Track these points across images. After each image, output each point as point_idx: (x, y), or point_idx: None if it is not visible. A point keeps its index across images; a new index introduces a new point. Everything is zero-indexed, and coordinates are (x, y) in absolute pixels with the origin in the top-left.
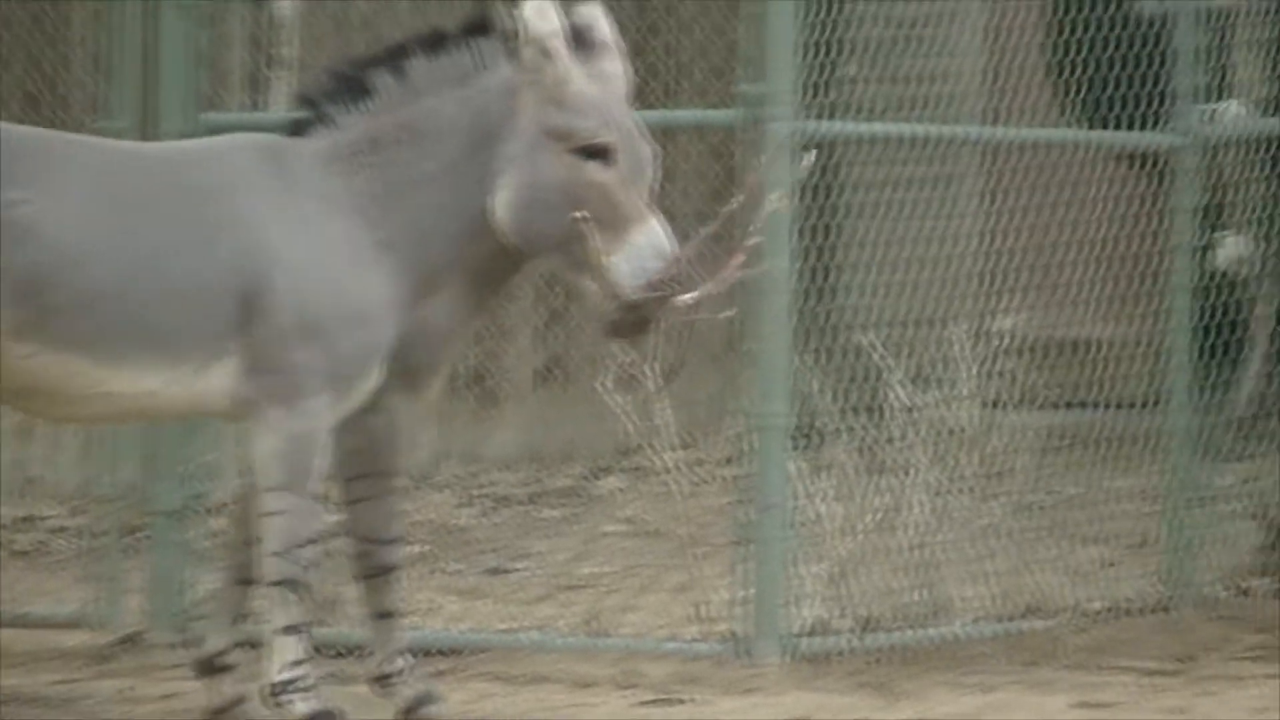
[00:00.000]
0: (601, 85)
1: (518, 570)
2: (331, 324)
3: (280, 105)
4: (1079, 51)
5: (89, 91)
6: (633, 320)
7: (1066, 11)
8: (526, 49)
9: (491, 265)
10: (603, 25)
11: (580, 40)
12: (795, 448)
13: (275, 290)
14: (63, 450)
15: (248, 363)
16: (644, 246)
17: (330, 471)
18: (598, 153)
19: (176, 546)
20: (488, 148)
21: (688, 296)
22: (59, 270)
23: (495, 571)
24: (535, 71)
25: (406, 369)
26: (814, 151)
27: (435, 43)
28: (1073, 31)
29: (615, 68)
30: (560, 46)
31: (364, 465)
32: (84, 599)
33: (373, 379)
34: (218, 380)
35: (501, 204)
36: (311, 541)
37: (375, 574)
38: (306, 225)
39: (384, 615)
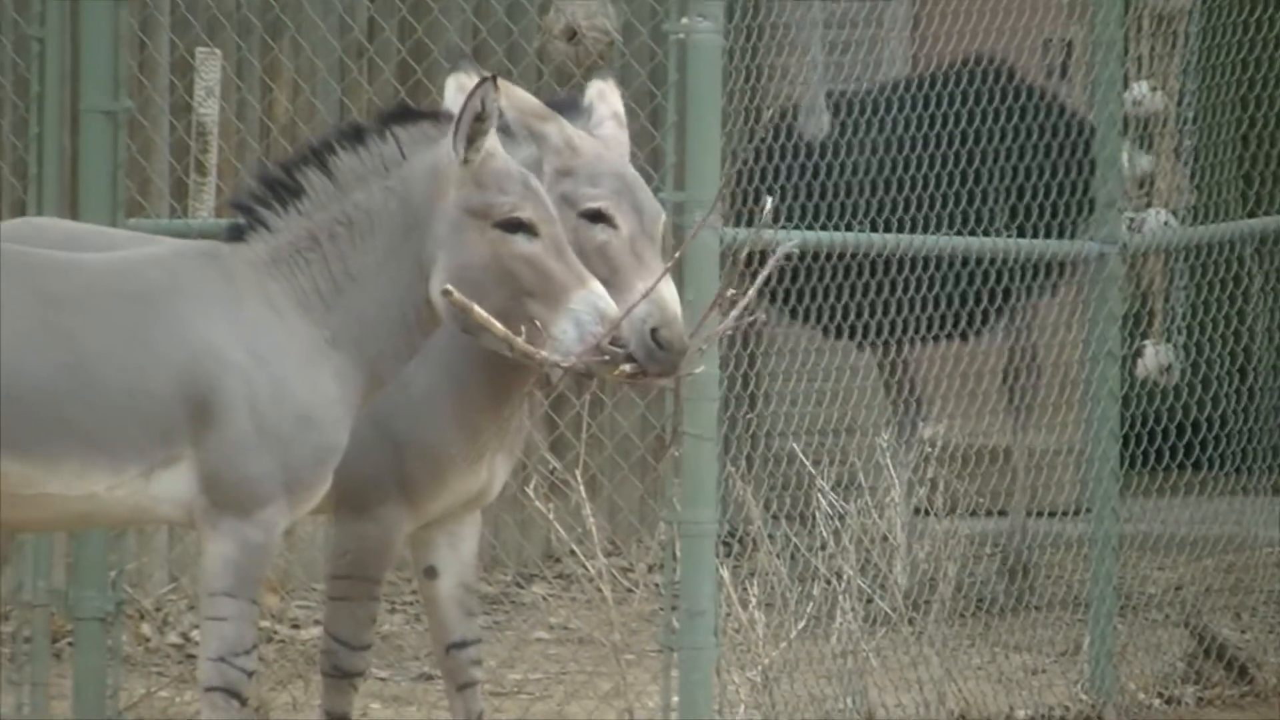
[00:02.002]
0: (604, 146)
1: None
2: (285, 428)
3: (204, 212)
4: (1005, 159)
5: (13, 197)
6: (577, 380)
7: (994, 120)
8: (462, 123)
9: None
10: (614, 99)
11: (584, 111)
12: (723, 554)
13: (226, 396)
14: None
15: (200, 471)
16: (583, 311)
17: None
18: (520, 226)
19: (103, 651)
20: (417, 234)
21: (628, 366)
22: None
23: (423, 678)
24: (476, 152)
25: (404, 482)
26: (772, 200)
27: (356, 136)
28: (1001, 139)
29: (619, 136)
30: (480, 127)
31: (349, 568)
32: (12, 704)
33: (327, 482)
34: (169, 487)
35: (435, 289)
36: (251, 649)
37: (338, 676)
38: (254, 328)
39: (337, 718)
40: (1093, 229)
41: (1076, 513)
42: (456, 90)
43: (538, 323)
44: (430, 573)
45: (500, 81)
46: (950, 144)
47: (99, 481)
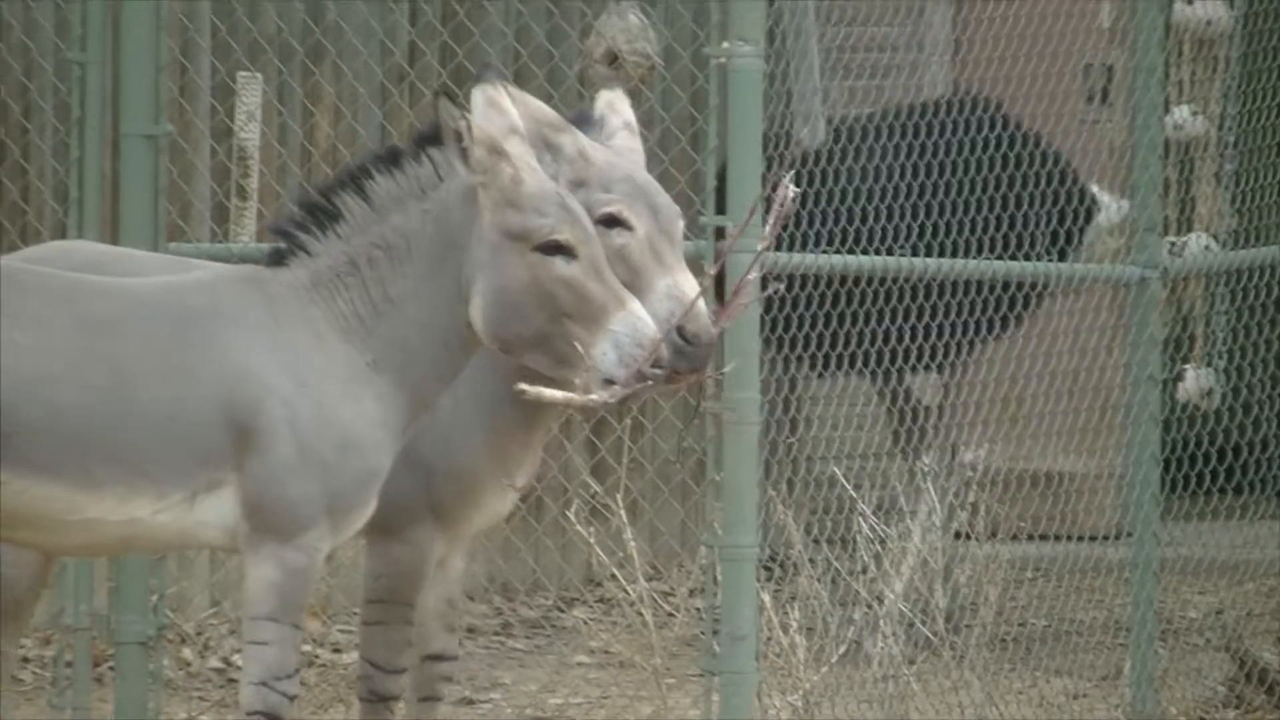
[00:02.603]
0: (615, 154)
1: (487, 701)
2: (327, 452)
3: (245, 236)
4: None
5: (54, 221)
6: (619, 405)
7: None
8: (476, 149)
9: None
10: (624, 109)
11: (595, 123)
12: (764, 579)
13: (268, 420)
14: None
15: (243, 495)
16: (622, 333)
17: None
18: (559, 249)
19: (144, 676)
20: (455, 257)
21: (659, 371)
22: (18, 395)
23: (465, 702)
24: (488, 172)
25: (434, 504)
26: (795, 190)
27: (392, 159)
28: (1042, 164)
29: (632, 144)
30: (512, 144)
31: (382, 592)
32: None
33: (372, 506)
34: (212, 512)
35: (476, 311)
36: (294, 673)
37: (374, 700)
38: (296, 353)
39: None
40: (1133, 253)
41: (1117, 537)
42: (484, 104)
43: (578, 344)
44: None
45: (515, 92)
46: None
47: (142, 506)
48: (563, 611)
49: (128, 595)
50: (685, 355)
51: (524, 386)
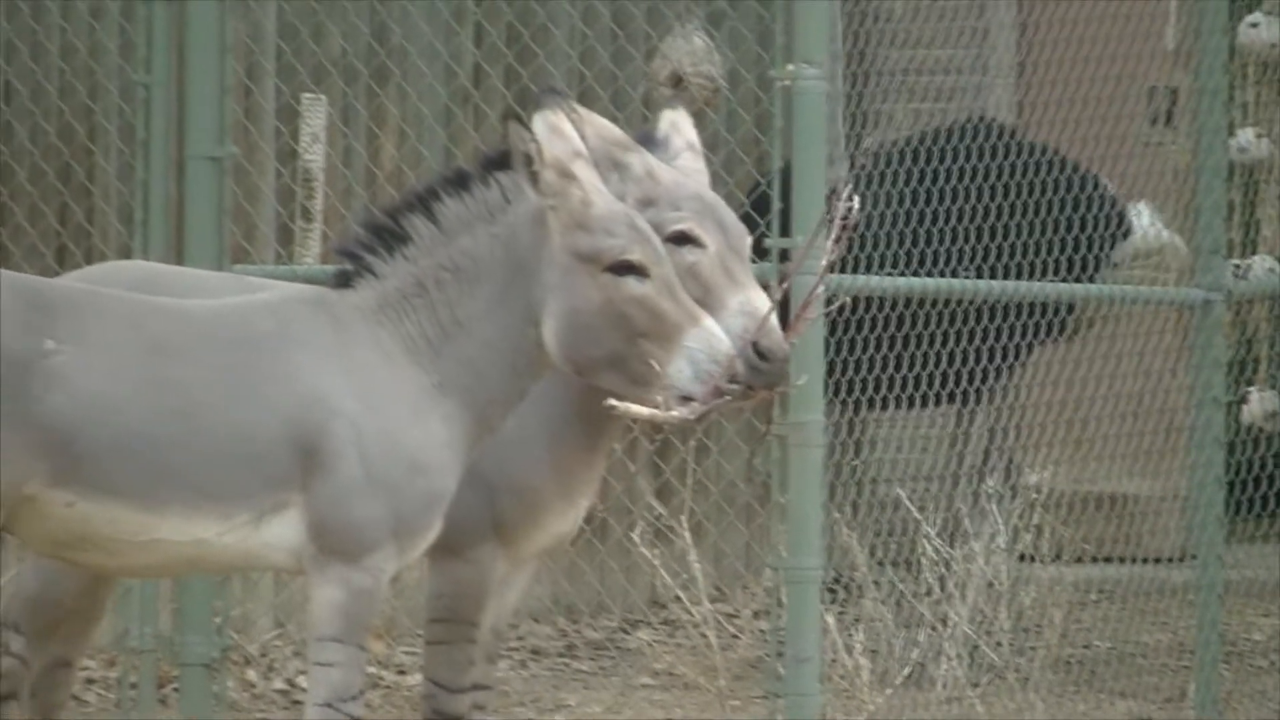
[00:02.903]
0: (682, 174)
1: None
2: (394, 474)
3: (309, 258)
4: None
5: (119, 243)
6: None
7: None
8: (546, 172)
9: (586, 409)
10: (687, 129)
11: (660, 144)
12: (829, 601)
13: (335, 442)
14: None
15: (309, 517)
16: (697, 349)
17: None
18: (631, 269)
19: (209, 697)
20: (525, 280)
21: (735, 387)
22: (89, 417)
23: None
24: (557, 195)
25: (497, 523)
26: (853, 199)
27: (460, 182)
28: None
29: (696, 164)
30: (579, 167)
31: (445, 612)
32: None
33: (437, 527)
34: (278, 533)
35: (549, 334)
36: (359, 694)
37: (438, 718)
38: (363, 375)
39: None
40: (1198, 276)
41: (1182, 559)
42: (546, 130)
43: (653, 362)
44: None
45: (582, 112)
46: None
47: (208, 528)
48: (627, 633)
49: (192, 617)
50: (760, 371)
51: (613, 403)
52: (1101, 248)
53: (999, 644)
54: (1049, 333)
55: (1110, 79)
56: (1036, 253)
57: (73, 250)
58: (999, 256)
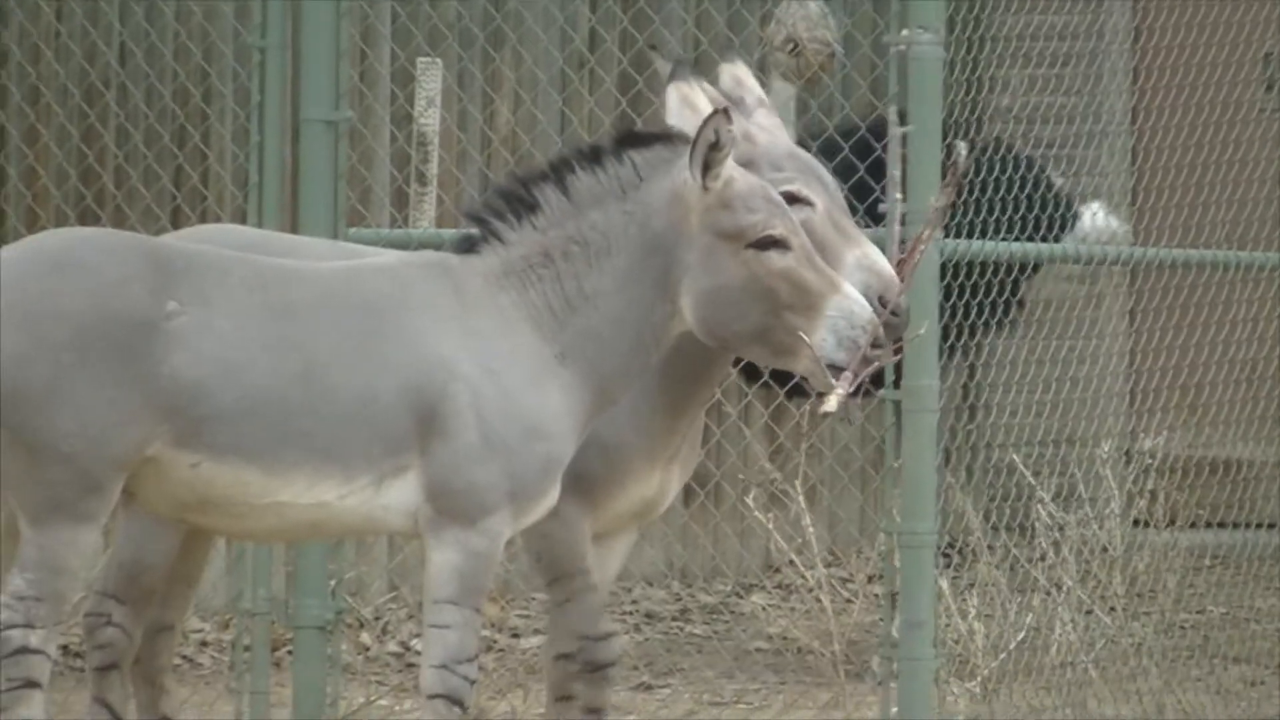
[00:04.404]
0: (769, 136)
1: (665, 687)
2: (512, 439)
3: (425, 222)
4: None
5: (234, 206)
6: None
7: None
8: (696, 154)
9: (673, 373)
10: (752, 83)
11: (735, 103)
12: (942, 565)
13: (454, 406)
14: (210, 565)
15: (427, 480)
16: (839, 318)
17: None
18: (774, 243)
19: (323, 660)
20: (659, 258)
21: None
22: (213, 379)
23: (643, 688)
24: (716, 179)
25: (581, 479)
26: (966, 149)
27: (594, 157)
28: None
29: (773, 119)
30: (715, 156)
31: (554, 570)
32: (232, 712)
33: (554, 494)
34: (398, 496)
35: (689, 311)
36: (474, 657)
37: (590, 670)
38: (483, 340)
39: (593, 712)
40: None
41: None
42: (679, 102)
43: (800, 334)
44: None
45: (688, 93)
46: None
47: (329, 490)
48: (741, 598)
49: (306, 580)
50: (889, 327)
51: (827, 408)
52: (1045, 239)
53: (1112, 609)
54: (995, 318)
55: (1226, 45)
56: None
57: (188, 213)
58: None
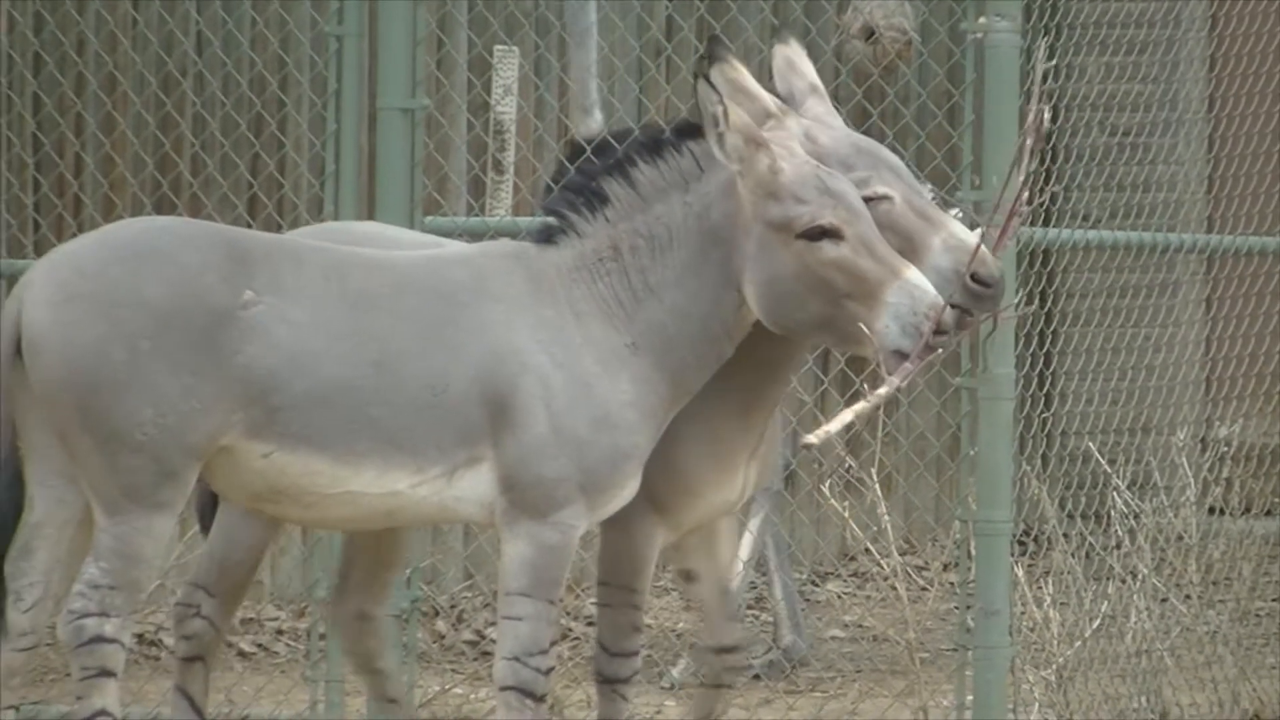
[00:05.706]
0: (830, 133)
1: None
2: (582, 431)
3: (501, 210)
4: None
5: (310, 194)
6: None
7: None
8: (731, 137)
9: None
10: (806, 67)
11: (784, 97)
12: (1018, 553)
13: (525, 397)
14: (285, 554)
15: (500, 472)
16: (900, 304)
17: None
18: (825, 233)
19: (398, 648)
20: (721, 249)
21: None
22: (287, 368)
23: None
24: (744, 161)
25: (652, 497)
26: (1046, 109)
27: (655, 148)
28: None
29: (825, 106)
30: (769, 130)
31: (607, 575)
32: (308, 700)
33: (630, 486)
34: (470, 487)
35: (753, 301)
36: (547, 649)
37: (601, 681)
38: (556, 332)
39: None
40: None
41: None
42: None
43: (861, 324)
44: (688, 576)
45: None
46: None
47: (401, 480)
48: (817, 585)
49: None
50: (981, 299)
51: (810, 439)
52: None
53: (1188, 597)
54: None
55: None
56: None
57: (264, 201)
58: None
